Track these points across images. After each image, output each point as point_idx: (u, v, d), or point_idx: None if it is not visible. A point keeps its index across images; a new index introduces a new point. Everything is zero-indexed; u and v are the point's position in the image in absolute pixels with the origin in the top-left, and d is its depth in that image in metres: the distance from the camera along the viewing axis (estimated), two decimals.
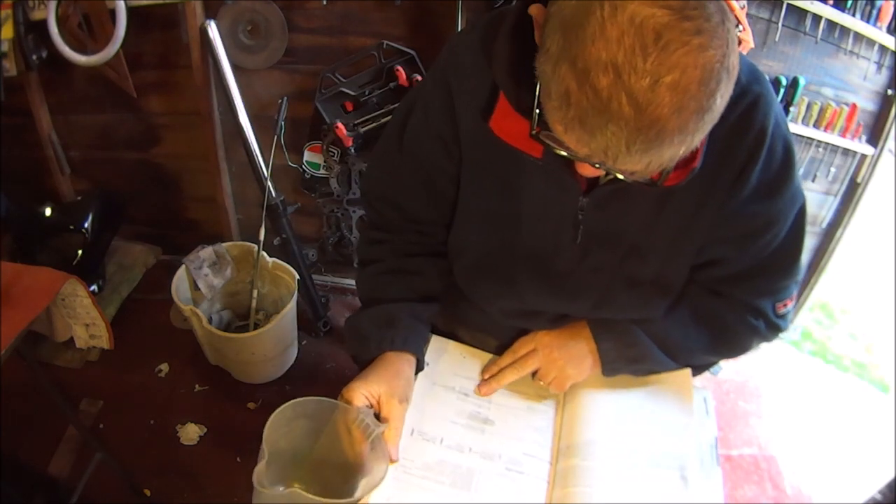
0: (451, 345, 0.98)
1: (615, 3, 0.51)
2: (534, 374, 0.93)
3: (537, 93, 0.61)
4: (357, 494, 0.73)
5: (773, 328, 0.88)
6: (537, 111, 0.62)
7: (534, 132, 0.64)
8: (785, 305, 0.87)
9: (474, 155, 0.82)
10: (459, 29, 1.66)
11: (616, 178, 0.73)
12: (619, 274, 0.84)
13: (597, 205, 0.78)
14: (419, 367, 0.90)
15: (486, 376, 0.93)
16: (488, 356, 0.97)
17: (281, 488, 0.75)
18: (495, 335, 1.01)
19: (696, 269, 0.86)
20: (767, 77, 1.74)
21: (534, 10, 0.64)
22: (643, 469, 0.81)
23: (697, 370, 0.95)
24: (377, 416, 0.80)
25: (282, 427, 0.75)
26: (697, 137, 0.56)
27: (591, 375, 0.92)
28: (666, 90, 0.51)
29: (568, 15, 0.54)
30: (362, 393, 0.79)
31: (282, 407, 0.74)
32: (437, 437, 0.84)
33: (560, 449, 0.85)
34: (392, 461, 0.78)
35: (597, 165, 0.61)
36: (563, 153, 0.63)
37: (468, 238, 0.90)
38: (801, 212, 0.81)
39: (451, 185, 0.87)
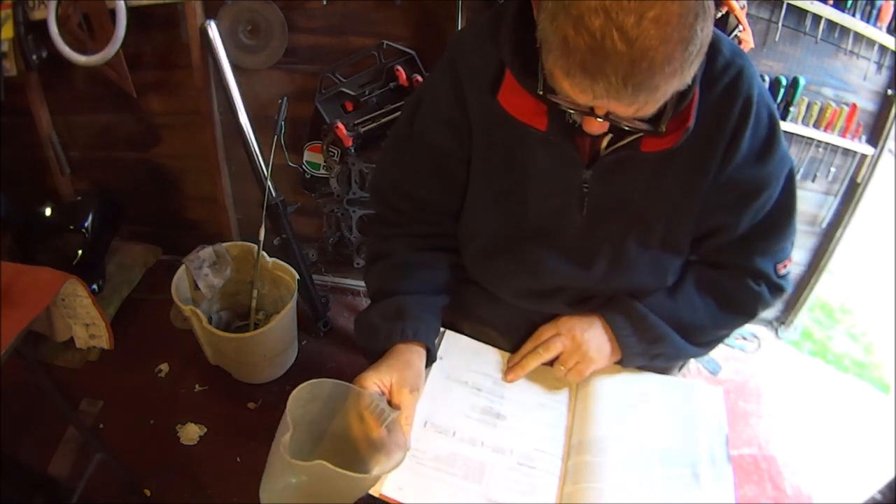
0: (465, 340, 0.99)
1: None
2: (552, 362, 0.94)
3: (541, 56, 0.67)
4: (374, 474, 0.74)
5: (775, 290, 0.92)
6: (542, 74, 0.68)
7: (540, 92, 0.70)
8: (785, 266, 0.91)
9: (483, 133, 0.85)
10: (459, 29, 1.66)
11: (617, 148, 0.79)
12: (627, 240, 0.86)
13: (600, 176, 0.82)
14: (430, 359, 0.91)
15: (511, 363, 0.94)
16: (500, 352, 0.98)
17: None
18: (499, 329, 1.02)
19: (698, 241, 0.89)
20: (767, 77, 1.76)
21: None
22: (655, 467, 0.82)
23: (706, 347, 0.96)
24: (389, 404, 0.81)
25: (299, 407, 0.75)
26: (687, 71, 0.62)
27: (605, 370, 0.93)
28: (650, 23, 0.58)
29: None
30: (374, 382, 0.80)
31: (301, 385, 0.75)
32: (450, 430, 0.85)
33: (572, 445, 0.86)
34: (406, 449, 0.79)
35: (600, 118, 0.67)
36: (570, 110, 0.69)
37: (478, 220, 0.93)
38: (791, 174, 0.86)
39: (462, 170, 0.90)
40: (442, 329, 0.97)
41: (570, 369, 0.91)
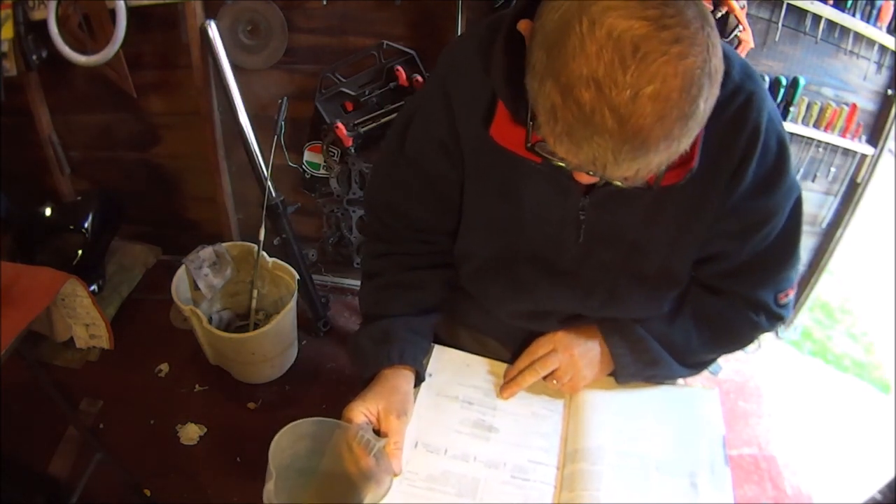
0: (453, 353, 0.98)
1: (593, 18, 0.52)
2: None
3: (530, 107, 0.62)
4: None
5: (774, 319, 0.89)
6: (531, 123, 0.64)
7: (529, 145, 0.66)
8: (787, 295, 0.88)
9: (476, 160, 0.83)
10: (459, 29, 1.66)
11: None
12: (624, 270, 0.85)
13: (597, 205, 0.79)
14: (419, 379, 0.90)
15: (507, 379, 0.93)
16: (491, 362, 0.97)
17: None
18: (496, 337, 1.01)
19: (698, 265, 0.87)
20: (767, 77, 1.76)
21: (522, 25, 0.65)
22: (652, 475, 0.81)
23: (699, 368, 0.96)
24: (377, 433, 0.81)
25: (285, 449, 0.75)
26: (684, 142, 0.57)
27: (600, 381, 0.93)
28: (647, 101, 0.52)
29: (549, 32, 0.56)
30: (361, 411, 0.80)
31: (283, 430, 0.74)
32: (441, 448, 0.84)
33: (567, 453, 0.85)
34: (395, 474, 0.79)
35: (590, 173, 0.63)
36: (560, 164, 0.64)
37: (473, 242, 0.91)
38: (798, 203, 0.82)
39: (456, 192, 0.88)
40: (431, 344, 0.96)
41: (564, 384, 0.91)
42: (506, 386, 0.92)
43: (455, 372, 0.95)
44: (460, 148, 0.82)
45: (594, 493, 0.78)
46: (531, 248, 0.86)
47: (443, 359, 0.96)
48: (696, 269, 0.88)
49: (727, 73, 0.68)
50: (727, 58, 0.64)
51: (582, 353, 0.91)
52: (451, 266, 0.96)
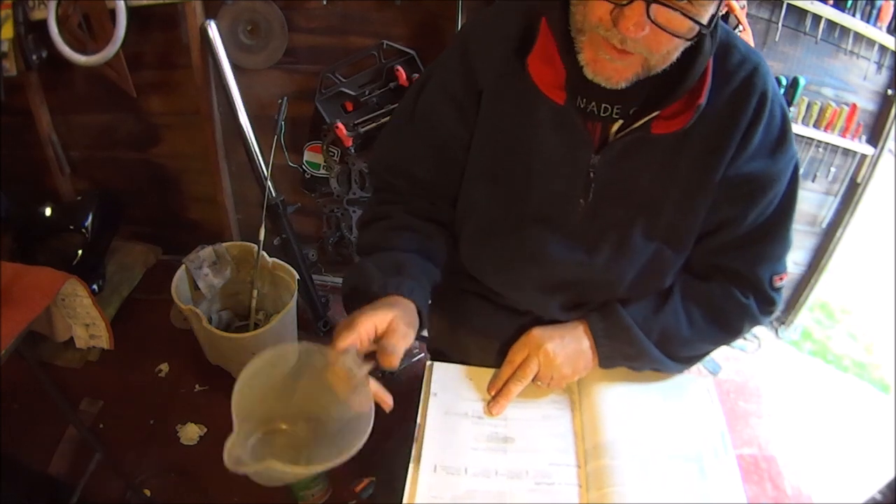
0: (452, 368, 0.95)
1: None
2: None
3: None
4: (345, 454, 0.68)
5: (765, 303, 0.90)
6: None
7: None
8: (781, 279, 0.90)
9: (491, 108, 0.84)
10: (459, 29, 1.66)
11: (627, 133, 0.78)
12: (632, 229, 0.85)
13: (608, 161, 0.81)
14: (421, 325, 0.84)
15: (492, 392, 0.91)
16: (492, 371, 0.94)
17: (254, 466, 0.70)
18: (498, 338, 0.99)
19: (700, 240, 0.88)
20: None
21: None
22: (665, 464, 0.82)
23: (688, 363, 0.96)
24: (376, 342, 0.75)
25: (249, 391, 0.71)
26: None
27: (604, 377, 0.92)
28: None
29: None
30: (373, 321, 0.75)
31: (246, 369, 0.71)
32: (462, 468, 0.82)
33: (587, 450, 0.85)
34: (387, 405, 0.74)
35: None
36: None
37: (477, 198, 0.90)
38: (796, 173, 0.85)
39: (462, 153, 0.89)
40: (430, 362, 0.94)
41: (549, 385, 0.90)
42: (493, 401, 0.90)
43: (459, 388, 0.93)
44: (475, 102, 0.85)
45: (620, 490, 0.78)
46: (537, 206, 0.86)
47: (444, 376, 0.94)
48: (697, 246, 0.88)
49: (734, 45, 0.78)
50: (731, 34, 0.74)
51: (556, 349, 0.89)
52: (452, 235, 0.95)
